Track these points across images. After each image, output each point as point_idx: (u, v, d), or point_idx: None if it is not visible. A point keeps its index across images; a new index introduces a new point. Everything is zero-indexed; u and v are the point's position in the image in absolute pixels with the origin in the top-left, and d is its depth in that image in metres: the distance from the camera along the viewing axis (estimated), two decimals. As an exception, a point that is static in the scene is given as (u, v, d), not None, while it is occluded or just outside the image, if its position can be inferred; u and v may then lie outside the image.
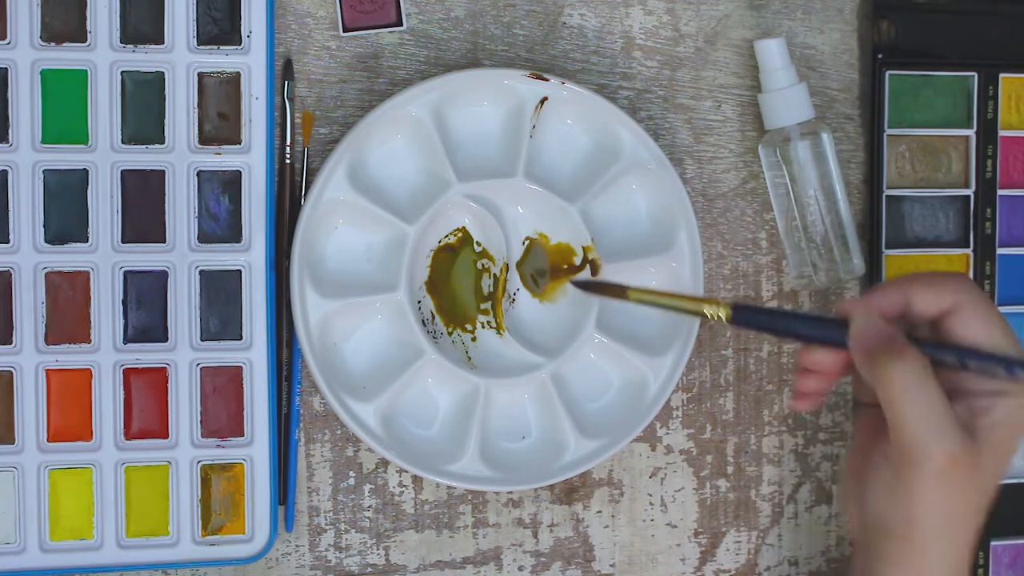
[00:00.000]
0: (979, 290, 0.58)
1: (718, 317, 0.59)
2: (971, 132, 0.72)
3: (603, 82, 0.69)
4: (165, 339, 0.64)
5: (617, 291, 0.61)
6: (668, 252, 0.67)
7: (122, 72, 0.63)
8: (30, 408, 0.63)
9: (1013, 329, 0.58)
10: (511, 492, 0.68)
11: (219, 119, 0.64)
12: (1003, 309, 0.72)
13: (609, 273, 0.66)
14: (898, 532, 0.58)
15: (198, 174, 0.64)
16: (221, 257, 0.64)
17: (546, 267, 0.67)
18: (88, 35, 0.63)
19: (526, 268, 0.67)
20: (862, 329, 0.58)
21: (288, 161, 0.65)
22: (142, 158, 0.64)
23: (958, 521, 0.57)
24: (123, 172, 0.63)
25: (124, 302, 0.64)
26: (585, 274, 0.67)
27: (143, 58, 0.63)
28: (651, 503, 0.70)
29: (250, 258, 0.65)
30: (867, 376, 0.57)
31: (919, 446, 0.56)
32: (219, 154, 0.64)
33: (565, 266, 0.67)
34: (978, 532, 0.59)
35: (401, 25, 0.66)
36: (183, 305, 0.64)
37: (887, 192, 0.71)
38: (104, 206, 0.63)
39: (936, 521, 0.57)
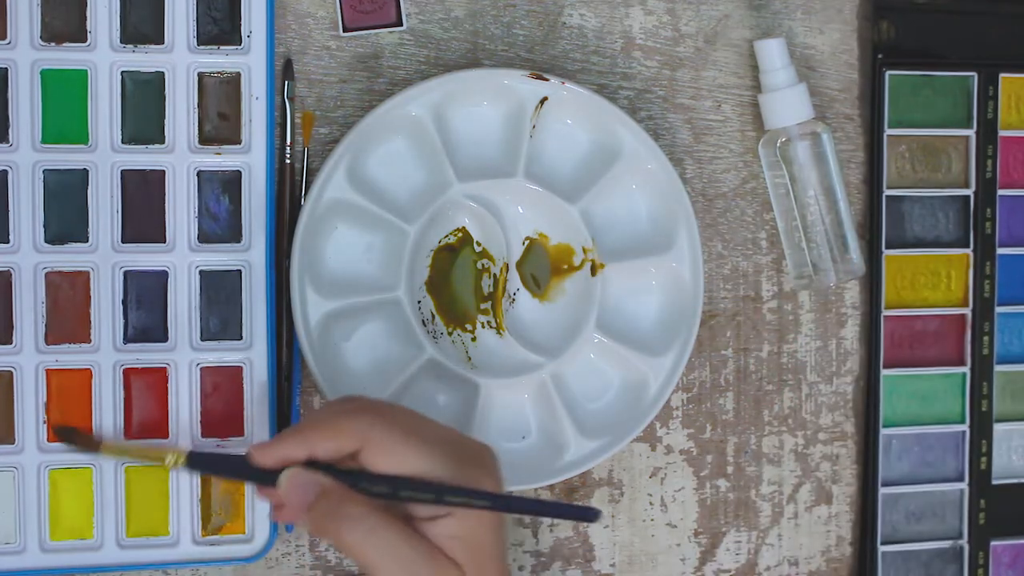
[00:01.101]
0: (382, 421, 0.55)
1: (175, 464, 0.58)
2: (971, 132, 0.72)
3: (603, 82, 0.69)
4: (165, 339, 0.64)
5: (92, 444, 0.62)
6: (668, 252, 0.67)
7: (122, 72, 0.63)
8: (30, 408, 0.63)
9: (436, 451, 0.55)
10: (511, 492, 0.68)
11: (219, 119, 0.64)
12: (1003, 309, 0.72)
13: (609, 273, 0.66)
14: None
15: (198, 174, 0.64)
16: (221, 257, 0.64)
17: (547, 268, 0.67)
18: (88, 35, 0.63)
19: (526, 268, 0.67)
20: (290, 490, 0.55)
21: (288, 161, 0.65)
22: (142, 158, 0.64)
23: None
24: (123, 172, 0.63)
25: (124, 302, 0.64)
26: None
27: (143, 58, 0.63)
28: (651, 503, 0.70)
29: (250, 258, 0.65)
30: (322, 536, 0.54)
31: None
32: (219, 154, 0.64)
33: (565, 266, 0.67)
34: None
35: (401, 25, 0.66)
36: (183, 305, 0.64)
37: (887, 192, 0.71)
38: (104, 206, 0.63)
39: None
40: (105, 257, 0.63)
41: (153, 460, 0.59)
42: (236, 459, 0.57)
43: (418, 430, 0.56)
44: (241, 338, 0.65)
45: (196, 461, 0.58)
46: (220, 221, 0.64)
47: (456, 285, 0.67)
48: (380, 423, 0.55)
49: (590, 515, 0.55)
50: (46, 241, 0.63)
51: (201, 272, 0.64)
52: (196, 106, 0.64)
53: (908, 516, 0.72)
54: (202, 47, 0.64)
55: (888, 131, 0.71)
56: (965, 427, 0.72)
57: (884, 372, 0.71)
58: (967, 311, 0.72)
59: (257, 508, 0.65)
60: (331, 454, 0.55)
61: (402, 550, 0.54)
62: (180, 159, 0.64)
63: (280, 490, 0.55)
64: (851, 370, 0.72)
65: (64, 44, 0.63)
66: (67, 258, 0.63)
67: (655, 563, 0.70)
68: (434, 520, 0.55)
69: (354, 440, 0.55)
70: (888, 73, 0.70)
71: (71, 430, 0.63)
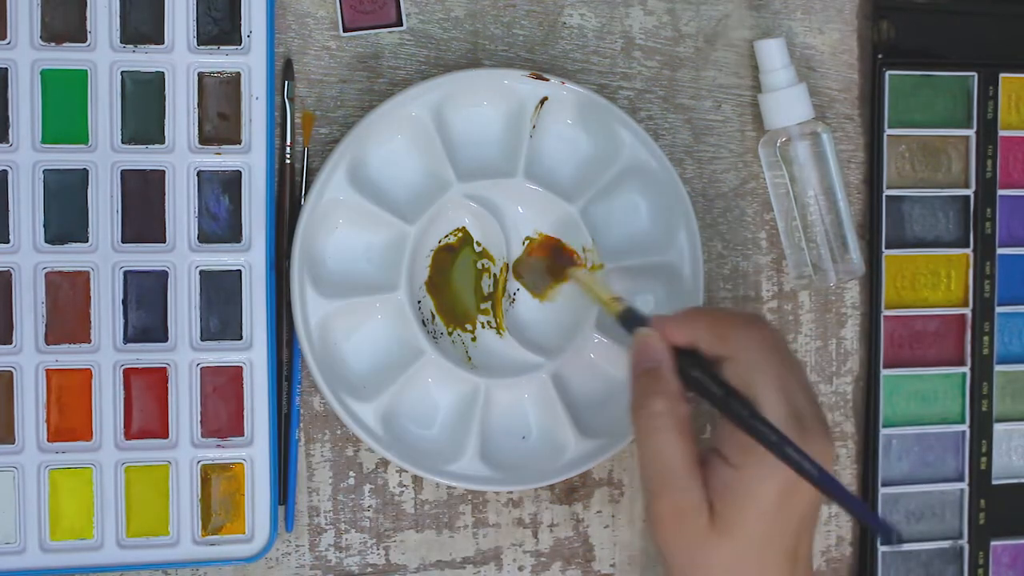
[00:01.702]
0: (761, 341, 0.57)
1: (615, 314, 0.61)
2: (971, 132, 0.72)
3: (603, 82, 0.69)
4: (165, 339, 0.64)
5: (561, 271, 0.65)
6: (668, 252, 0.67)
7: (122, 72, 0.63)
8: (30, 408, 0.63)
9: (794, 403, 0.56)
10: (511, 492, 0.68)
11: (219, 119, 0.64)
12: (1003, 309, 0.72)
13: (610, 273, 0.66)
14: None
15: (198, 174, 0.64)
16: (221, 257, 0.64)
17: (542, 273, 0.67)
18: (88, 35, 0.63)
19: (525, 279, 0.67)
20: (638, 348, 0.58)
21: (288, 161, 0.65)
22: (142, 158, 0.64)
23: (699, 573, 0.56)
24: (123, 172, 0.63)
25: (124, 302, 0.64)
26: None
27: (143, 58, 0.63)
28: (651, 503, 0.70)
29: (250, 258, 0.65)
30: (630, 396, 0.57)
31: (645, 487, 0.57)
32: (219, 154, 0.64)
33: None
34: None
35: (401, 25, 0.66)
36: (183, 305, 0.64)
37: (887, 192, 0.71)
38: (104, 206, 0.63)
39: (672, 567, 0.57)
40: (105, 257, 0.63)
41: (598, 297, 0.63)
42: (642, 316, 0.59)
43: (788, 381, 0.56)
44: (241, 338, 0.65)
45: (628, 319, 0.60)
46: (220, 221, 0.64)
47: (456, 285, 0.67)
48: (766, 355, 0.56)
49: (890, 535, 0.53)
50: (46, 241, 0.63)
51: (201, 272, 0.64)
52: (196, 106, 0.64)
53: (908, 516, 0.72)
54: (202, 47, 0.64)
55: (888, 131, 0.71)
56: (965, 427, 0.72)
57: (884, 372, 0.71)
58: (967, 311, 0.72)
59: (257, 508, 0.65)
60: (708, 348, 0.57)
61: (669, 460, 0.56)
62: (180, 159, 0.64)
63: (633, 344, 0.58)
64: (851, 370, 0.72)
65: (64, 44, 0.63)
66: (67, 258, 0.63)
67: (655, 563, 0.70)
68: (724, 464, 0.56)
69: (733, 353, 0.56)
70: (888, 73, 0.70)
71: (543, 260, 0.65)
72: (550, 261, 0.66)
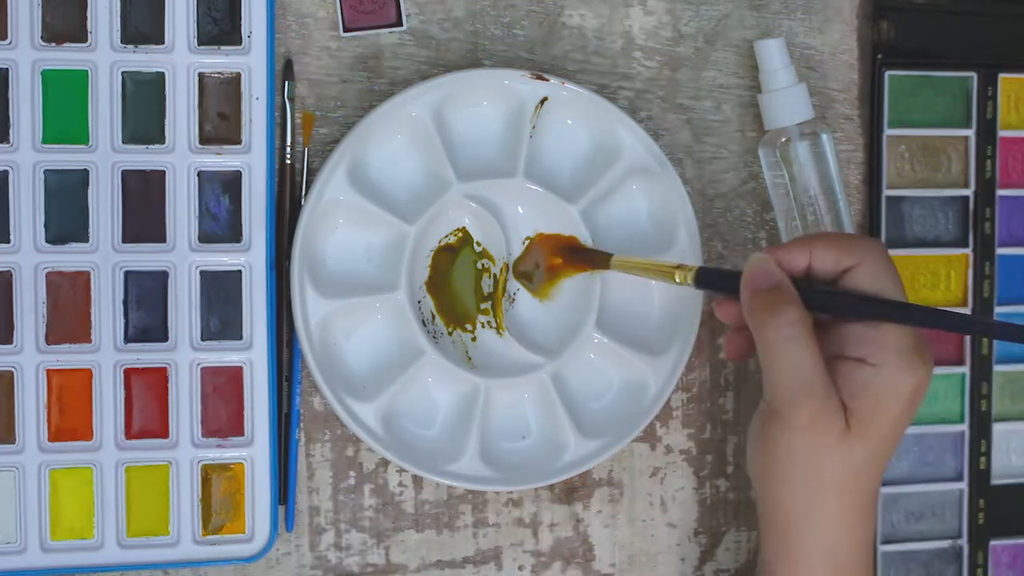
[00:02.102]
0: (882, 251, 0.58)
1: (686, 281, 0.61)
2: (971, 132, 0.72)
3: (603, 82, 0.69)
4: (165, 339, 0.64)
5: (601, 260, 0.64)
6: (668, 252, 0.67)
7: (122, 72, 0.63)
8: (30, 408, 0.63)
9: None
10: (511, 492, 0.68)
11: (219, 119, 0.64)
12: (1003, 309, 0.72)
13: (609, 273, 0.66)
14: (762, 491, 0.59)
15: (198, 174, 0.64)
16: (221, 257, 0.64)
17: (538, 264, 0.67)
18: (89, 35, 0.63)
19: (519, 267, 0.67)
20: (753, 271, 0.58)
21: (288, 161, 0.65)
22: (142, 158, 0.64)
23: (822, 487, 0.57)
24: (123, 172, 0.63)
25: (124, 302, 0.64)
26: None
27: (143, 58, 0.63)
28: (651, 503, 0.70)
29: (250, 258, 0.65)
30: (748, 319, 0.57)
31: (780, 399, 0.56)
32: (219, 154, 0.64)
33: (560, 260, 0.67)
34: (864, 511, 0.58)
35: (401, 25, 0.66)
36: (183, 305, 0.64)
37: (887, 192, 0.71)
38: (104, 206, 0.63)
39: (794, 481, 0.57)
40: (105, 257, 0.63)
41: (662, 276, 0.62)
42: (735, 274, 0.59)
43: (897, 280, 0.58)
44: (241, 338, 0.65)
45: (704, 278, 0.61)
46: (220, 221, 0.64)
47: (456, 285, 0.67)
48: (880, 250, 0.58)
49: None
50: (46, 241, 0.63)
51: (201, 272, 0.64)
52: (196, 106, 0.64)
53: (908, 516, 0.72)
54: (202, 47, 0.64)
55: (888, 131, 0.71)
56: (965, 427, 0.72)
57: (884, 372, 0.71)
58: (967, 311, 0.72)
59: (257, 508, 0.65)
60: (828, 266, 0.58)
61: (805, 368, 0.56)
62: (180, 159, 0.64)
63: (746, 269, 0.58)
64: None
65: (64, 44, 0.63)
66: (67, 258, 0.63)
67: (655, 563, 0.70)
68: (861, 365, 0.56)
69: (852, 258, 0.57)
70: (888, 73, 0.70)
71: (576, 249, 0.65)
72: (567, 257, 0.66)
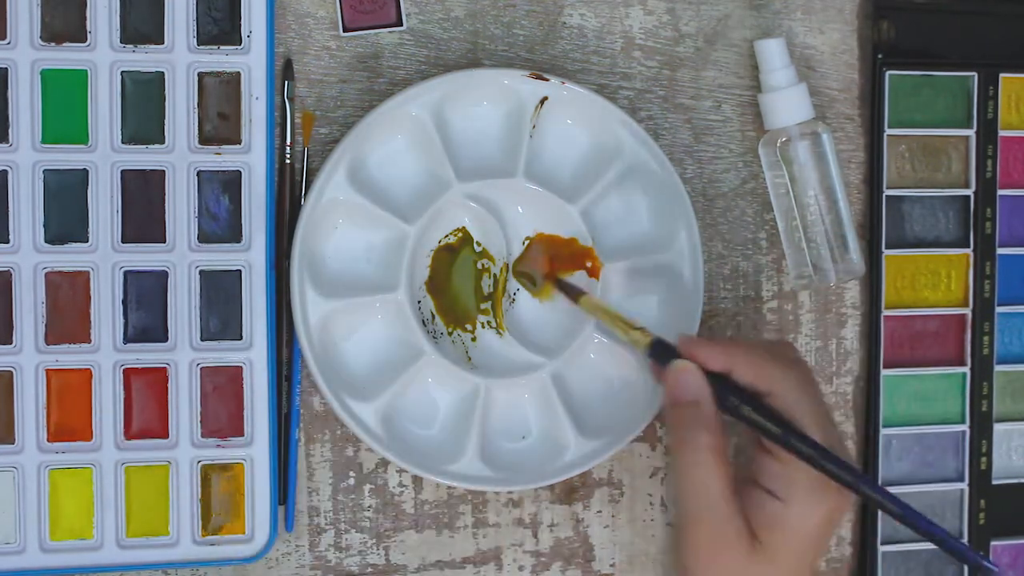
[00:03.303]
0: (799, 379, 0.59)
1: (639, 346, 0.62)
2: (971, 132, 0.72)
3: (603, 82, 0.69)
4: (165, 339, 0.64)
5: (575, 294, 0.65)
6: (668, 252, 0.67)
7: (122, 72, 0.63)
8: (30, 408, 0.63)
9: (833, 427, 0.60)
10: (511, 492, 0.68)
11: (219, 119, 0.64)
12: (1003, 309, 0.72)
13: (609, 273, 0.66)
14: None
15: (198, 174, 0.64)
16: (221, 257, 0.64)
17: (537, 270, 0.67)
18: (88, 35, 0.63)
19: (519, 268, 0.67)
20: (675, 381, 0.60)
21: (288, 161, 0.65)
22: (142, 158, 0.64)
23: None
24: (123, 172, 0.63)
25: (124, 302, 0.64)
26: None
27: (143, 58, 0.63)
28: (651, 503, 0.70)
29: (250, 258, 0.65)
30: (667, 429, 0.60)
31: (683, 517, 0.59)
32: (219, 154, 0.64)
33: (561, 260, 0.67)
34: None
35: (401, 25, 0.66)
36: (183, 305, 0.64)
37: (887, 192, 0.71)
38: (104, 206, 0.63)
39: None
40: (105, 257, 0.63)
41: (620, 330, 0.63)
42: (671, 347, 0.61)
43: (825, 420, 0.60)
44: (241, 338, 0.65)
45: (656, 351, 0.61)
46: (220, 221, 0.64)
47: (456, 285, 0.67)
48: (806, 393, 0.59)
49: (981, 566, 0.57)
50: (46, 241, 0.63)
51: (201, 272, 0.64)
52: (196, 106, 0.64)
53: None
54: (202, 47, 0.64)
55: (888, 131, 0.71)
56: (965, 427, 0.72)
57: (884, 372, 0.71)
58: (967, 311, 0.72)
59: (257, 508, 0.65)
60: (747, 381, 0.59)
61: (709, 492, 0.58)
62: (180, 159, 0.64)
63: (668, 374, 0.60)
64: (851, 370, 0.72)
65: (64, 44, 0.63)
66: (67, 258, 0.63)
67: (655, 563, 0.70)
68: (771, 498, 0.59)
69: (773, 389, 0.59)
70: (888, 73, 0.70)
71: (559, 279, 0.66)
72: (552, 271, 0.67)
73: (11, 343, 0.63)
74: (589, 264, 0.66)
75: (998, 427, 0.72)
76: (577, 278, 0.67)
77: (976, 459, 0.72)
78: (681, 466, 0.59)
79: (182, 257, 0.64)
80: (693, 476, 0.59)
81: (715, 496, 0.58)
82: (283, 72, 0.65)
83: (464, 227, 0.67)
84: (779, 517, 0.58)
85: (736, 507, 0.59)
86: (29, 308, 0.63)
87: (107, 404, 0.64)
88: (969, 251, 0.72)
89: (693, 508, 0.59)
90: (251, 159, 0.64)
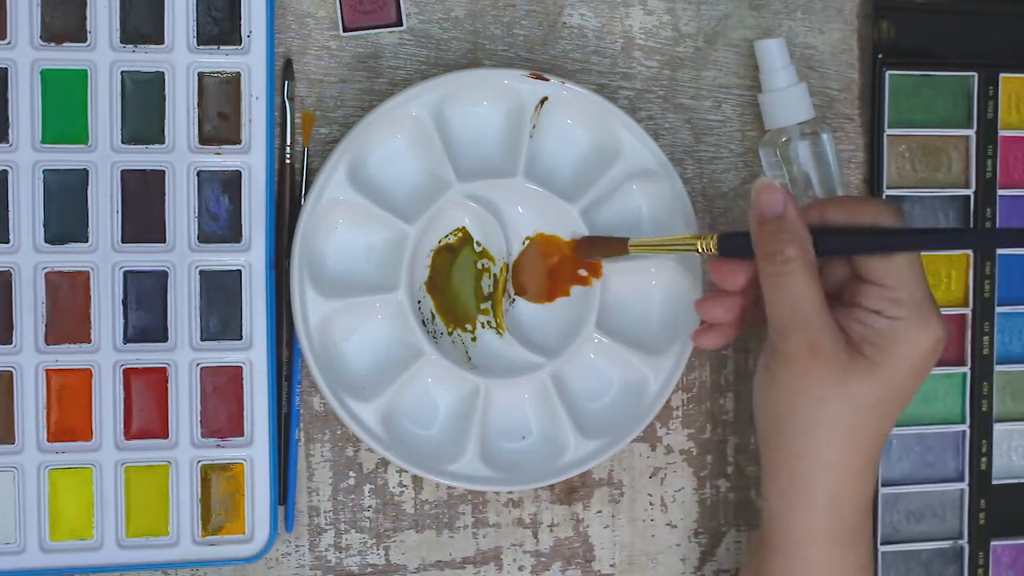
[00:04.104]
0: (896, 214, 0.59)
1: (710, 249, 0.60)
2: (971, 132, 0.72)
3: (603, 82, 0.69)
4: (165, 339, 0.64)
5: (618, 245, 0.63)
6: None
7: (122, 72, 0.63)
8: (30, 408, 0.63)
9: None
10: (511, 492, 0.68)
11: (219, 119, 0.64)
12: (1003, 309, 0.72)
13: (609, 273, 0.66)
14: (767, 432, 0.59)
15: (198, 174, 0.64)
16: (221, 257, 0.64)
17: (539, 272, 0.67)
18: (88, 35, 0.63)
19: (518, 277, 0.67)
20: (760, 197, 0.58)
21: (288, 161, 0.65)
22: (142, 158, 0.64)
23: (825, 422, 0.57)
24: (123, 172, 0.63)
25: (124, 302, 0.64)
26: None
27: (143, 58, 0.63)
28: (651, 503, 0.70)
29: (250, 258, 0.65)
30: (756, 251, 0.58)
31: (777, 331, 0.57)
32: (219, 154, 0.64)
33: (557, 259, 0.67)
34: (867, 465, 0.58)
35: (401, 25, 0.66)
36: (183, 305, 0.64)
37: (887, 192, 0.71)
38: (104, 206, 0.63)
39: (798, 413, 0.57)
40: (105, 257, 0.63)
41: (683, 249, 0.62)
42: (740, 235, 0.59)
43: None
44: (241, 338, 0.65)
45: (726, 244, 0.60)
46: (220, 221, 0.64)
47: (456, 285, 0.67)
48: (894, 215, 0.58)
49: None
50: (46, 241, 0.63)
51: (201, 272, 0.64)
52: (196, 106, 0.64)
53: (908, 516, 0.72)
54: (202, 47, 0.64)
55: (888, 131, 0.71)
56: (965, 427, 0.72)
57: (884, 372, 0.71)
58: (967, 311, 0.72)
59: (257, 508, 0.65)
60: (837, 221, 0.58)
61: (803, 302, 0.57)
62: (180, 159, 0.64)
63: (753, 193, 0.58)
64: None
65: (64, 44, 0.63)
66: (67, 258, 0.63)
67: (655, 563, 0.70)
68: (877, 316, 0.57)
69: (867, 219, 0.58)
70: (888, 73, 0.70)
71: (591, 240, 0.65)
72: (581, 249, 0.66)
73: (11, 343, 0.63)
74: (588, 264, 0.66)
75: (998, 427, 0.72)
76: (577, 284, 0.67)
77: (976, 459, 0.72)
78: (770, 282, 0.57)
79: (182, 257, 0.64)
80: (784, 288, 0.57)
81: (808, 308, 0.56)
82: (283, 72, 0.65)
83: (464, 227, 0.67)
84: (887, 331, 0.57)
85: (831, 320, 0.57)
86: (29, 308, 0.63)
87: (107, 404, 0.64)
88: (969, 251, 0.72)
89: (786, 320, 0.57)
90: (251, 159, 0.64)
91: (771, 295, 0.57)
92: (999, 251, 0.72)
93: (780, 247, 0.57)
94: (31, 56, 0.62)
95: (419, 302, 0.66)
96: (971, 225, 0.72)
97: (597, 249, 0.65)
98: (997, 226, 0.72)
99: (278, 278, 0.65)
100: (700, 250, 0.61)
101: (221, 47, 0.64)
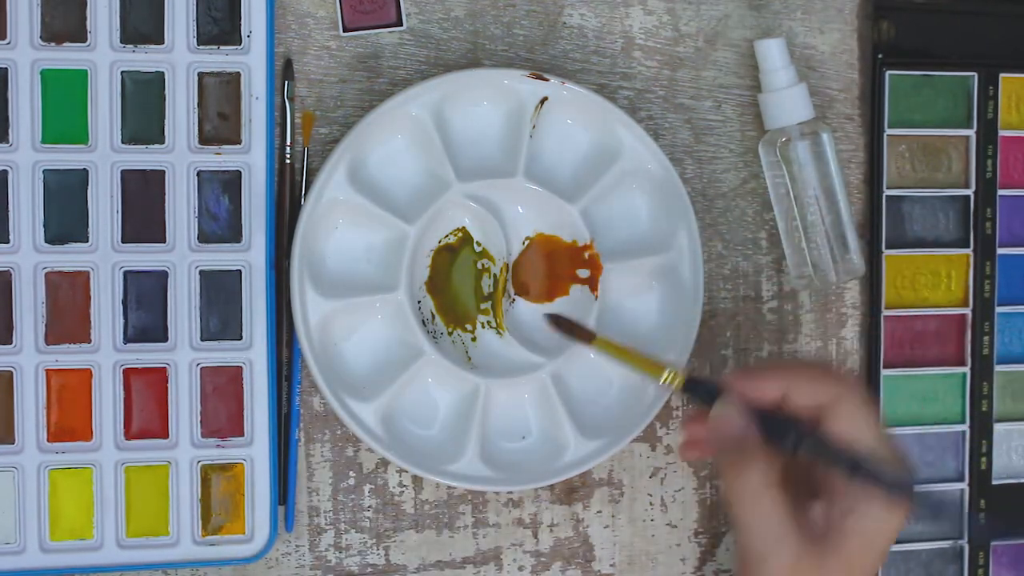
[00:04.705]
0: (859, 389, 0.59)
1: (671, 383, 0.61)
2: (971, 132, 0.72)
3: (603, 82, 0.69)
4: (165, 339, 0.64)
5: (585, 335, 0.63)
6: (668, 252, 0.67)
7: (122, 72, 0.63)
8: (30, 408, 0.63)
9: (889, 438, 0.59)
10: (511, 492, 0.68)
11: (219, 119, 0.64)
12: (1003, 309, 0.72)
13: (609, 272, 0.66)
14: None
15: (198, 174, 0.64)
16: (221, 257, 0.64)
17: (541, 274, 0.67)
18: (88, 35, 0.63)
19: (518, 278, 0.67)
20: (716, 426, 0.59)
21: (288, 161, 0.65)
22: (142, 158, 0.64)
23: None
24: (123, 172, 0.63)
25: (124, 302, 0.64)
26: (573, 299, 0.67)
27: (143, 58, 0.63)
28: (651, 503, 0.70)
29: (250, 258, 0.65)
30: (716, 466, 0.59)
31: (756, 554, 0.58)
32: (219, 154, 0.64)
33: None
34: None
35: (401, 25, 0.66)
36: (183, 305, 0.64)
37: (887, 192, 0.71)
38: (104, 206, 0.63)
39: None
40: (105, 257, 0.63)
41: (647, 371, 0.61)
42: (705, 382, 0.60)
43: (877, 418, 0.59)
44: (241, 338, 0.65)
45: (691, 387, 0.61)
46: (220, 221, 0.64)
47: (456, 285, 0.67)
48: (857, 388, 0.59)
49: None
50: (46, 241, 0.63)
51: (201, 272, 0.64)
52: (196, 106, 0.64)
53: (908, 516, 0.72)
54: (202, 47, 0.64)
55: (888, 131, 0.71)
56: (965, 427, 0.72)
57: (884, 372, 0.71)
58: (967, 311, 0.72)
59: (257, 508, 0.65)
60: (804, 400, 0.58)
61: (784, 530, 0.57)
62: (180, 159, 0.64)
63: (710, 422, 0.59)
64: (851, 370, 0.72)
65: (64, 44, 0.63)
66: (67, 258, 0.63)
67: (655, 563, 0.70)
68: (842, 499, 0.58)
69: (831, 393, 0.58)
70: (888, 73, 0.70)
71: (563, 320, 0.64)
72: (553, 323, 0.65)
73: (11, 343, 0.63)
74: (587, 256, 0.66)
75: (998, 427, 0.72)
76: (578, 283, 0.67)
77: (976, 459, 0.72)
78: (741, 507, 0.58)
79: (182, 257, 0.64)
80: (756, 515, 0.57)
81: (783, 529, 0.57)
82: (283, 72, 0.65)
83: (464, 227, 0.67)
84: (853, 526, 0.57)
85: (803, 532, 0.57)
86: (29, 308, 0.63)
87: (107, 404, 0.64)
88: (969, 251, 0.72)
89: (760, 547, 0.58)
90: (251, 159, 0.64)
91: (739, 520, 0.58)
92: (999, 251, 0.72)
93: (744, 477, 0.57)
94: (31, 56, 0.62)
95: (419, 302, 0.66)
96: (971, 225, 0.72)
97: (564, 328, 0.64)
98: (997, 226, 0.72)
99: (278, 278, 0.65)
100: (664, 381, 0.61)
101: (221, 47, 0.64)
